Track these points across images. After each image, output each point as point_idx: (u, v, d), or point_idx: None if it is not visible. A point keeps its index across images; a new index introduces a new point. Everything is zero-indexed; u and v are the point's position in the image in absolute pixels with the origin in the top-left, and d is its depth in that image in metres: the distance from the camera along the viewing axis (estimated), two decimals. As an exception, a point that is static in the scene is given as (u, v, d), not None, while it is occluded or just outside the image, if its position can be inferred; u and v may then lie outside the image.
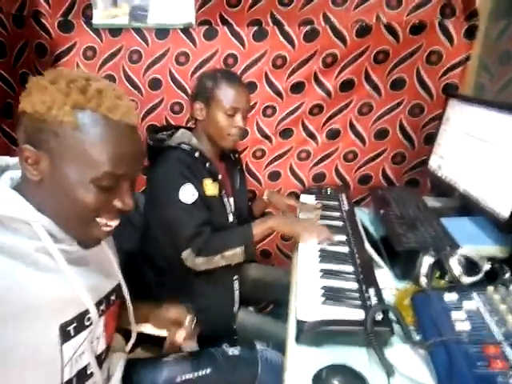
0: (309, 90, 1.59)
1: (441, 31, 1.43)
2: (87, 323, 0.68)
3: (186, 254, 1.09)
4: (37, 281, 0.59)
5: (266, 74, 1.59)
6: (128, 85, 1.67)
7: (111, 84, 0.64)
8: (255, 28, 1.53)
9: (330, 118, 1.64)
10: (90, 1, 1.54)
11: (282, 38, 1.53)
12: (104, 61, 1.65)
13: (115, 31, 1.60)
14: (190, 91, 1.30)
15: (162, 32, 1.58)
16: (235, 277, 1.26)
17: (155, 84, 1.66)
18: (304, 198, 1.46)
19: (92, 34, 1.60)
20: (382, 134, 1.63)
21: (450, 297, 0.78)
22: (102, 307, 0.73)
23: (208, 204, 1.17)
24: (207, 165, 1.18)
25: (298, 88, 1.60)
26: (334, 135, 1.66)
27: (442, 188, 1.33)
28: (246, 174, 1.71)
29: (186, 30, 1.57)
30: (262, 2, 1.49)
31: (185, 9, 1.53)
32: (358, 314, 0.78)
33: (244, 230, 1.15)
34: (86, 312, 0.67)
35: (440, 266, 0.87)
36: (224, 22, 1.54)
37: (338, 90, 1.58)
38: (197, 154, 1.16)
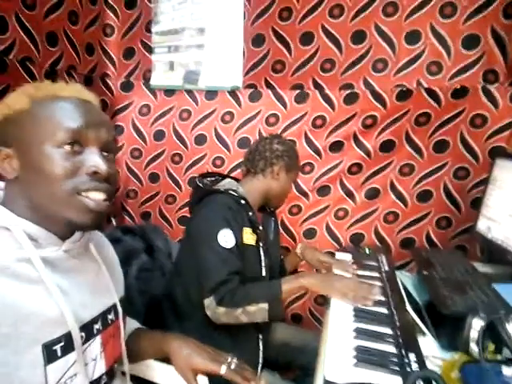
0: (348, 149, 1.61)
1: (484, 96, 1.42)
2: (78, 343, 0.62)
3: (208, 302, 1.04)
4: (17, 294, 0.55)
5: (306, 133, 1.64)
6: (176, 139, 1.79)
7: (64, 82, 0.67)
8: (297, 91, 1.62)
9: (370, 177, 1.61)
10: (151, 66, 1.74)
11: (322, 101, 1.60)
12: (156, 118, 1.80)
13: (169, 92, 1.76)
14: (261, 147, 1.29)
15: (211, 93, 1.72)
16: (260, 336, 1.18)
17: (201, 140, 1.77)
18: (340, 256, 1.39)
19: (149, 93, 1.78)
20: (425, 197, 1.57)
21: (511, 371, 0.67)
22: (96, 326, 0.67)
23: (244, 253, 1.14)
24: (250, 214, 1.18)
25: (336, 147, 1.62)
26: (373, 195, 1.62)
27: (493, 252, 1.22)
28: (282, 230, 1.70)
29: (232, 92, 1.70)
30: (304, 68, 1.59)
31: (233, 73, 1.67)
32: (395, 381, 0.69)
33: (272, 284, 1.08)
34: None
35: (494, 337, 0.76)
36: (268, 85, 1.65)
37: (378, 150, 1.58)
38: (242, 202, 1.17)
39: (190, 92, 1.74)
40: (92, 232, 0.75)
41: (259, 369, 1.16)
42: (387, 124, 1.55)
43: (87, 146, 0.61)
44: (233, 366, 0.74)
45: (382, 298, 1.03)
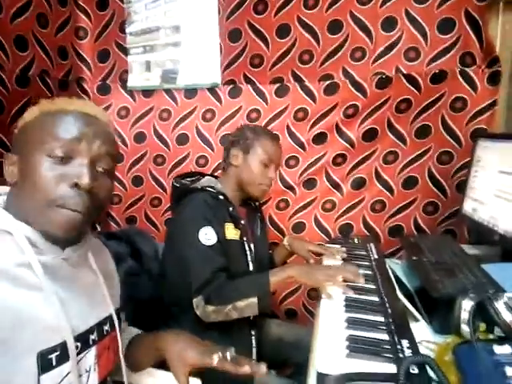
0: (331, 140, 1.60)
1: (463, 79, 1.43)
2: (73, 353, 0.61)
3: (197, 301, 1.03)
4: (17, 298, 0.55)
5: (288, 127, 1.62)
6: (157, 140, 1.76)
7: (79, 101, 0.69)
8: (277, 85, 1.61)
9: (355, 167, 1.61)
10: (127, 67, 1.70)
11: (302, 93, 1.59)
12: (136, 119, 1.77)
13: (148, 92, 1.73)
14: (225, 140, 1.35)
15: (190, 92, 1.69)
16: (253, 332, 1.16)
17: (183, 139, 1.74)
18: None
19: (126, 95, 1.75)
20: (410, 183, 1.57)
21: (502, 349, 0.66)
22: (92, 336, 0.67)
23: (228, 248, 1.12)
24: (230, 209, 1.17)
25: (320, 139, 1.61)
26: (359, 185, 1.62)
27: (481, 233, 1.22)
28: (270, 225, 1.69)
29: (212, 89, 1.67)
30: (283, 61, 1.58)
31: (211, 70, 1.64)
32: (389, 368, 0.67)
33: (259, 278, 1.07)
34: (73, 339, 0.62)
35: (485, 316, 0.75)
36: (248, 80, 1.63)
37: (361, 139, 1.57)
38: (221, 197, 1.15)
39: (168, 91, 1.71)
40: (90, 241, 0.75)
41: None
42: (369, 113, 1.54)
43: (77, 158, 0.62)
44: (227, 357, 0.71)
45: (373, 286, 1.02)
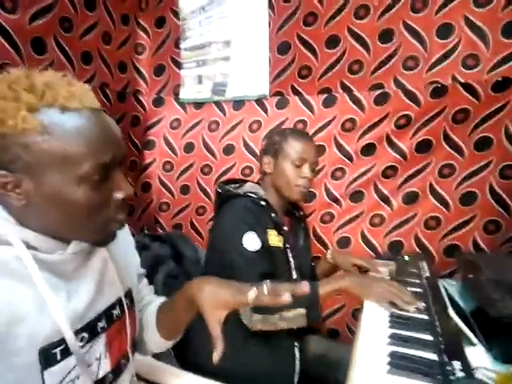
0: (381, 151, 1.53)
1: (529, 86, 1.31)
2: (80, 343, 0.59)
3: (244, 309, 0.99)
4: (14, 294, 0.52)
5: (335, 138, 1.59)
6: (205, 151, 1.81)
7: (54, 73, 0.56)
8: (325, 95, 1.59)
9: (406, 180, 1.52)
10: (180, 81, 1.79)
11: (351, 103, 1.55)
12: (187, 130, 1.84)
13: (198, 105, 1.80)
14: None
15: (238, 103, 1.73)
16: (296, 344, 1.11)
17: (229, 150, 1.77)
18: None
19: (179, 107, 1.83)
20: (469, 199, 1.44)
21: None
22: (101, 324, 0.64)
23: (271, 255, 1.10)
24: (273, 215, 1.15)
25: (369, 150, 1.55)
26: (411, 199, 1.52)
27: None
28: (313, 239, 1.64)
29: (259, 101, 1.69)
30: (331, 71, 1.56)
31: (260, 82, 1.67)
32: (437, 389, 0.60)
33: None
34: (78, 331, 0.59)
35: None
36: (295, 92, 1.63)
37: (414, 151, 1.49)
38: (263, 203, 1.14)
39: (217, 103, 1.77)
40: None
41: (296, 380, 1.09)
42: (422, 123, 1.46)
43: (110, 171, 0.57)
44: (264, 291, 0.62)
45: (423, 304, 0.94)
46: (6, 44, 1.17)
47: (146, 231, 1.83)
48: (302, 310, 0.96)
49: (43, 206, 0.54)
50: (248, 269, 1.02)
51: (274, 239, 1.12)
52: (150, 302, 0.84)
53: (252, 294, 0.61)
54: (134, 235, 0.84)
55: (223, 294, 0.65)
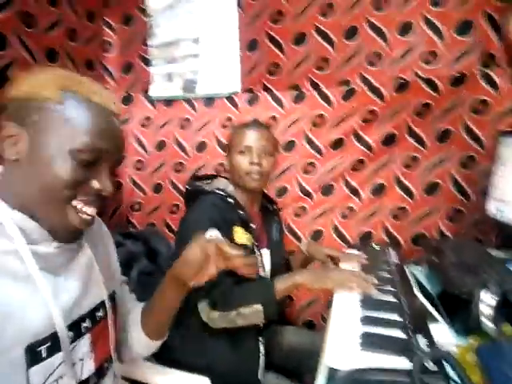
0: (349, 145, 1.58)
1: (484, 80, 1.39)
2: (66, 344, 0.59)
3: (202, 306, 1.00)
4: (2, 289, 0.52)
5: (305, 133, 1.62)
6: (177, 148, 1.80)
7: (91, 80, 0.64)
8: (294, 92, 1.62)
9: (374, 173, 1.58)
10: (149, 78, 1.77)
11: (320, 99, 1.59)
12: (157, 128, 1.82)
13: (169, 102, 1.79)
14: None
15: (209, 100, 1.74)
16: (260, 339, 1.12)
17: (202, 147, 1.77)
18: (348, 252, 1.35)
19: (149, 105, 1.81)
20: (432, 189, 1.52)
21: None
22: (85, 324, 0.65)
23: None
24: (240, 212, 1.15)
25: (338, 145, 1.60)
26: (378, 191, 1.58)
27: (507, 235, 1.15)
28: (288, 233, 1.66)
29: (230, 98, 1.71)
30: (300, 68, 1.60)
31: (230, 79, 1.68)
32: (402, 363, 0.64)
33: (265, 284, 1.03)
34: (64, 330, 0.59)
35: (509, 315, 0.70)
36: (265, 88, 1.66)
37: (381, 144, 1.55)
38: (230, 200, 1.14)
39: (188, 101, 1.76)
40: None
41: (260, 372, 1.10)
42: (387, 117, 1.52)
43: (101, 163, 0.60)
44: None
45: (391, 288, 0.98)
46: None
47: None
48: (259, 307, 0.96)
49: (26, 170, 0.57)
50: None
51: (242, 237, 1.11)
52: (134, 306, 0.85)
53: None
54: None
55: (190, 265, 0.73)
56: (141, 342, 0.82)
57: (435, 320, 0.86)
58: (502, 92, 1.37)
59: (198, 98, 1.75)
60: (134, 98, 1.82)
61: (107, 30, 1.75)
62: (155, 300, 0.79)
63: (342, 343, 0.72)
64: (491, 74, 1.38)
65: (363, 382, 0.61)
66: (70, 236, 0.61)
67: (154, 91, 1.78)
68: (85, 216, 0.60)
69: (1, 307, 0.51)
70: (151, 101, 1.80)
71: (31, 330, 0.54)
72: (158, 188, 1.86)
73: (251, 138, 1.16)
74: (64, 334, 0.57)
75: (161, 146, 1.83)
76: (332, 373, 0.64)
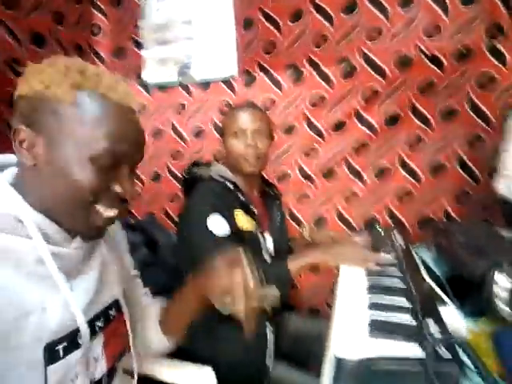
0: (351, 127, 1.53)
1: (490, 53, 1.33)
2: (81, 341, 0.58)
3: None
4: (21, 287, 0.51)
5: (305, 115, 1.57)
6: (174, 135, 1.75)
7: (107, 71, 0.60)
8: (292, 71, 1.56)
9: (377, 155, 1.53)
10: (141, 62, 1.71)
11: (318, 78, 1.53)
12: (152, 115, 1.76)
13: (163, 88, 1.73)
14: None
15: (205, 84, 1.68)
16: (268, 325, 1.09)
17: (199, 133, 1.72)
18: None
19: (142, 90, 1.75)
20: (438, 170, 1.47)
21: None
22: (98, 323, 0.63)
23: (240, 237, 1.07)
24: (240, 197, 1.11)
25: (339, 126, 1.54)
26: (382, 173, 1.53)
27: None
28: (290, 220, 1.62)
29: (226, 81, 1.65)
30: (297, 46, 1.53)
31: (226, 62, 1.62)
32: (413, 349, 0.60)
33: (277, 265, 1.02)
34: (79, 329, 0.58)
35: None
36: (262, 69, 1.59)
37: (384, 124, 1.49)
38: (229, 185, 1.10)
39: (184, 86, 1.70)
40: None
41: (269, 361, 1.08)
42: (390, 96, 1.46)
43: (121, 164, 0.57)
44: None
45: (398, 273, 0.94)
46: None
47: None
48: (273, 288, 0.95)
49: (46, 175, 0.54)
50: (213, 253, 0.99)
51: (243, 220, 1.08)
52: (150, 303, 0.85)
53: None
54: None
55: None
56: (156, 340, 0.81)
57: (444, 303, 0.82)
58: (510, 66, 1.30)
59: (193, 83, 1.68)
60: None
61: (96, 12, 1.68)
62: (176, 301, 0.79)
63: (349, 331, 0.68)
64: (499, 46, 1.31)
65: (373, 372, 0.57)
66: (93, 235, 0.60)
67: (148, 76, 1.71)
68: (107, 214, 0.58)
69: (20, 305, 0.50)
70: (145, 86, 1.74)
71: (50, 329, 0.53)
72: (156, 176, 1.82)
73: (244, 119, 1.11)
74: (85, 331, 0.57)
75: (157, 133, 1.78)
76: (340, 363, 0.60)
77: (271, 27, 1.54)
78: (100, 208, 0.56)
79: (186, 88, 1.70)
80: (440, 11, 1.36)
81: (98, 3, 1.68)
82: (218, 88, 1.66)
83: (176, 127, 1.75)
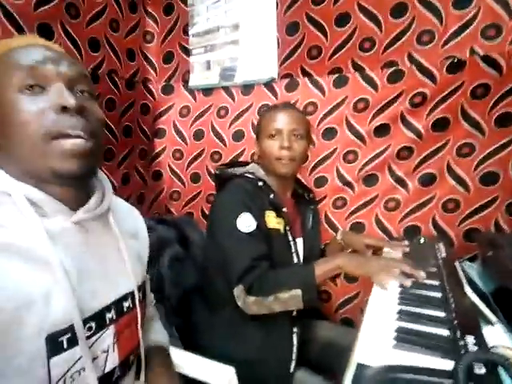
0: (395, 132, 1.46)
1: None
2: (88, 333, 0.55)
3: (238, 291, 0.96)
4: (22, 276, 0.49)
5: (347, 119, 1.53)
6: (214, 138, 1.79)
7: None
8: (336, 75, 1.53)
9: (423, 161, 1.45)
10: (189, 67, 1.77)
11: (363, 82, 1.49)
12: (196, 118, 1.82)
13: (207, 91, 1.78)
14: None
15: (248, 88, 1.70)
16: (295, 329, 1.07)
17: (239, 136, 1.74)
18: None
19: (188, 95, 1.81)
20: (490, 179, 1.36)
21: None
22: (109, 315, 0.60)
23: (269, 238, 1.06)
24: (271, 196, 1.10)
25: (382, 131, 1.48)
26: (428, 181, 1.45)
27: None
28: (326, 225, 1.59)
29: (268, 85, 1.66)
30: (342, 50, 1.50)
31: (268, 65, 1.63)
32: (445, 364, 0.55)
33: (305, 269, 0.99)
34: (86, 320, 0.55)
35: None
36: (305, 73, 1.58)
37: (431, 130, 1.41)
38: (260, 183, 1.10)
39: (226, 89, 1.74)
40: (114, 200, 0.68)
41: (292, 366, 1.05)
42: (439, 100, 1.38)
43: (50, 84, 0.54)
44: None
45: (436, 283, 0.88)
46: (12, 29, 1.17)
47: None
48: (298, 291, 0.92)
49: (5, 138, 0.53)
50: (241, 252, 0.98)
51: (273, 221, 1.07)
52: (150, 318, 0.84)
53: None
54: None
55: None
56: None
57: (488, 322, 0.75)
58: None
59: (236, 86, 1.71)
60: (174, 88, 1.83)
61: (149, 20, 1.78)
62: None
63: (375, 338, 0.65)
64: None
65: (394, 380, 0.53)
66: (74, 166, 0.54)
67: (194, 80, 1.77)
68: (72, 143, 0.53)
69: (20, 294, 0.48)
70: (190, 90, 1.80)
71: (52, 320, 0.51)
72: (195, 177, 1.86)
73: (281, 120, 1.10)
74: (80, 327, 0.53)
75: (199, 135, 1.83)
76: (361, 369, 0.57)
77: (316, 31, 1.53)
78: (60, 136, 0.53)
79: (228, 91, 1.74)
80: (501, 11, 1.27)
81: (151, 12, 1.78)
82: (260, 92, 1.67)
83: (217, 129, 1.78)
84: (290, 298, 0.93)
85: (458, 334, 0.63)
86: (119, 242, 0.65)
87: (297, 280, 0.95)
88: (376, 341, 0.64)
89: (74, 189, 0.58)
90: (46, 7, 1.26)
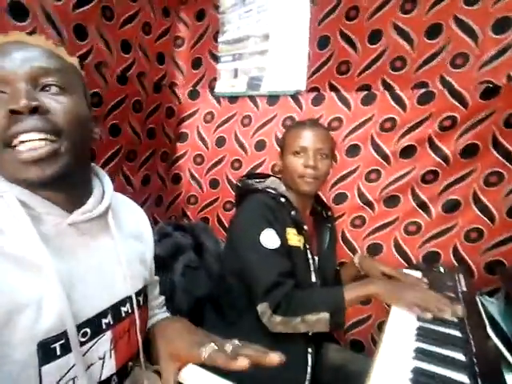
0: (421, 154, 1.43)
1: None
2: (82, 339, 0.53)
3: (263, 308, 0.95)
4: (13, 280, 0.48)
5: (372, 137, 1.50)
6: (236, 145, 1.78)
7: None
8: (364, 93, 1.51)
9: (448, 187, 1.40)
10: (217, 74, 1.78)
11: (392, 101, 1.46)
12: (219, 124, 1.82)
13: (233, 99, 1.78)
14: None
15: (273, 99, 1.69)
16: (309, 349, 1.05)
17: (261, 145, 1.73)
18: (408, 272, 1.21)
19: (213, 101, 1.82)
20: (517, 211, 1.31)
21: None
22: (105, 320, 0.58)
23: (290, 255, 1.04)
24: (292, 213, 1.09)
25: (408, 152, 1.45)
26: (452, 208, 1.40)
27: None
28: (342, 243, 1.56)
29: (294, 97, 1.64)
30: (372, 68, 1.48)
31: (296, 77, 1.62)
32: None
33: (334, 292, 0.97)
34: (81, 326, 0.53)
35: None
36: (332, 88, 1.57)
37: (459, 155, 1.37)
38: (282, 200, 1.09)
39: (252, 98, 1.73)
40: (117, 199, 0.66)
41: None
42: (469, 126, 1.34)
43: (10, 87, 0.51)
44: (227, 349, 0.55)
45: (456, 320, 0.85)
46: (51, 28, 1.20)
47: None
48: (327, 315, 0.91)
49: None
50: (266, 268, 0.98)
51: (294, 238, 1.06)
52: (155, 315, 0.81)
53: (208, 350, 0.55)
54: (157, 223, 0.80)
55: (178, 347, 0.61)
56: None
57: (511, 368, 0.72)
58: None
59: (262, 96, 1.71)
60: (199, 94, 1.84)
61: (181, 25, 1.79)
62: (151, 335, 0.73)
63: (389, 376, 0.62)
64: None
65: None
66: (38, 174, 0.50)
67: (220, 87, 1.78)
68: (27, 149, 0.49)
69: (11, 299, 0.46)
70: (216, 97, 1.81)
71: (44, 325, 0.49)
72: (214, 183, 1.86)
73: (307, 138, 1.09)
74: (73, 334, 0.51)
75: (221, 142, 1.83)
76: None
77: (347, 47, 1.51)
78: (16, 143, 0.49)
79: (254, 100, 1.73)
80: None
81: (184, 17, 1.79)
82: (285, 103, 1.66)
83: (239, 137, 1.78)
84: (317, 321, 0.92)
85: (479, 382, 0.60)
86: (119, 245, 0.62)
87: (326, 303, 0.93)
88: (391, 380, 0.61)
89: (64, 191, 0.56)
90: (84, 8, 1.28)
